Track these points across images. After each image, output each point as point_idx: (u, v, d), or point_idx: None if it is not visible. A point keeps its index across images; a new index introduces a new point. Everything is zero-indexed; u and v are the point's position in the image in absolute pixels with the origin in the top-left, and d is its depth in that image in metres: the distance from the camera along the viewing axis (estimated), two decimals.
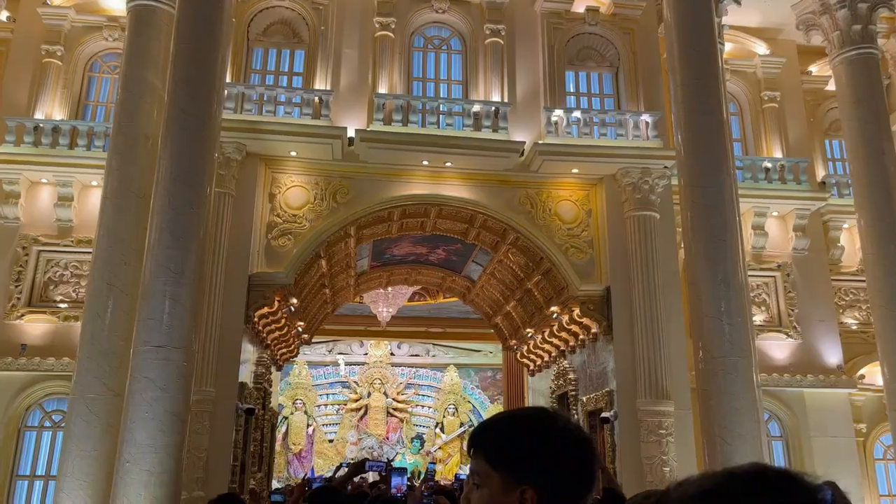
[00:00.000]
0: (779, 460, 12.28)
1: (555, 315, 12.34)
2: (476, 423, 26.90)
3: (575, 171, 11.52)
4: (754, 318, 10.98)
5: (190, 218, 8.80)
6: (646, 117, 11.59)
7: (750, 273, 11.22)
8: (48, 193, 11.82)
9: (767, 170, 13.03)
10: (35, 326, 11.24)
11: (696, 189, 9.66)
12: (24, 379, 10.93)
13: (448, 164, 11.25)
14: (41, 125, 11.71)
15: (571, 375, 12.80)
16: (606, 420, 10.83)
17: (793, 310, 13.00)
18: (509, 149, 11.16)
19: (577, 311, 11.63)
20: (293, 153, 11.09)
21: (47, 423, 11.13)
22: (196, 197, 8.91)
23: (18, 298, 11.33)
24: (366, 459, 6.32)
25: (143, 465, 7.87)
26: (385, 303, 21.13)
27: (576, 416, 12.53)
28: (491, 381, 26.22)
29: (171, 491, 7.99)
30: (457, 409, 25.77)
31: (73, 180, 11.65)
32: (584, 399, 12.11)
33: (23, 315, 11.23)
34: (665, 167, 11.39)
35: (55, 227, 11.71)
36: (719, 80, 10.00)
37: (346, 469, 6.05)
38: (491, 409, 25.52)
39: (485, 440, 1.49)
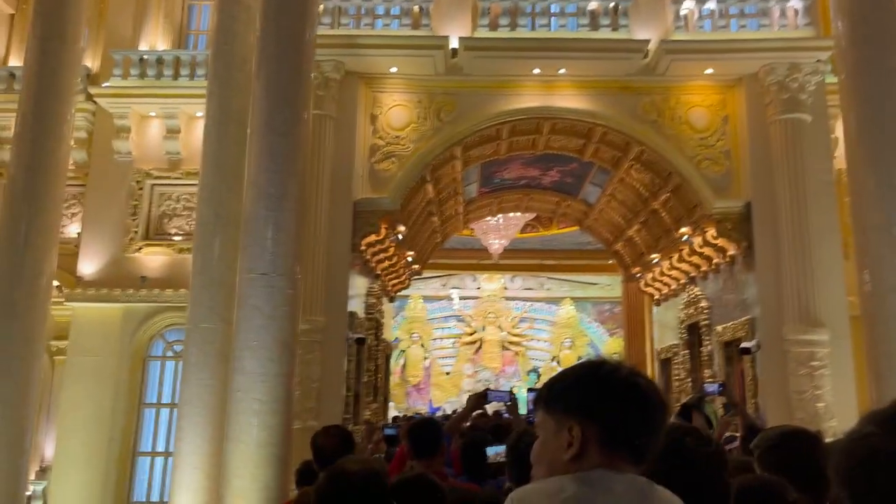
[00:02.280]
0: None
1: (685, 237, 11.14)
2: (594, 357, 26.60)
3: (709, 71, 10.09)
4: None
5: (288, 139, 8.37)
6: (794, 3, 9.90)
7: None
8: (157, 126, 11.82)
9: None
10: (153, 259, 11.42)
11: (863, 81, 8.13)
12: (146, 310, 11.18)
13: (562, 70, 10.14)
14: (145, 57, 11.63)
15: (704, 303, 11.61)
16: (747, 350, 9.69)
17: None
18: (631, 49, 9.89)
19: (711, 231, 10.39)
20: (393, 69, 10.36)
21: (169, 353, 11.39)
22: (293, 116, 8.45)
23: (136, 232, 11.52)
24: (488, 390, 5.82)
25: (254, 393, 7.70)
26: (496, 234, 20.44)
27: (709, 347, 11.43)
28: (609, 315, 25.43)
29: (283, 420, 7.80)
30: (573, 342, 25.24)
31: (179, 111, 11.56)
32: (720, 329, 10.96)
33: (141, 248, 11.43)
34: (818, 61, 9.75)
35: (165, 160, 11.74)
36: None
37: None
38: (609, 343, 24.81)
39: (541, 393, 1.58)
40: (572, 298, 25.21)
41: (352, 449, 4.01)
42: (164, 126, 11.65)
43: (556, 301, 25.32)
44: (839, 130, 10.32)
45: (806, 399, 8.94)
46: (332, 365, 9.65)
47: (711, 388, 7.00)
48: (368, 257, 11.35)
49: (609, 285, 24.15)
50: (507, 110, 10.35)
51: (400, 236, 11.33)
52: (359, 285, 11.13)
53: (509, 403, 5.43)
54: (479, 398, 5.21)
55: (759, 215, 9.77)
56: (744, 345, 9.76)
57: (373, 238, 10.67)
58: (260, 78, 8.56)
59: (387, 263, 12.31)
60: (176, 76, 11.60)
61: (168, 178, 11.69)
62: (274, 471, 7.65)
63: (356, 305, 10.82)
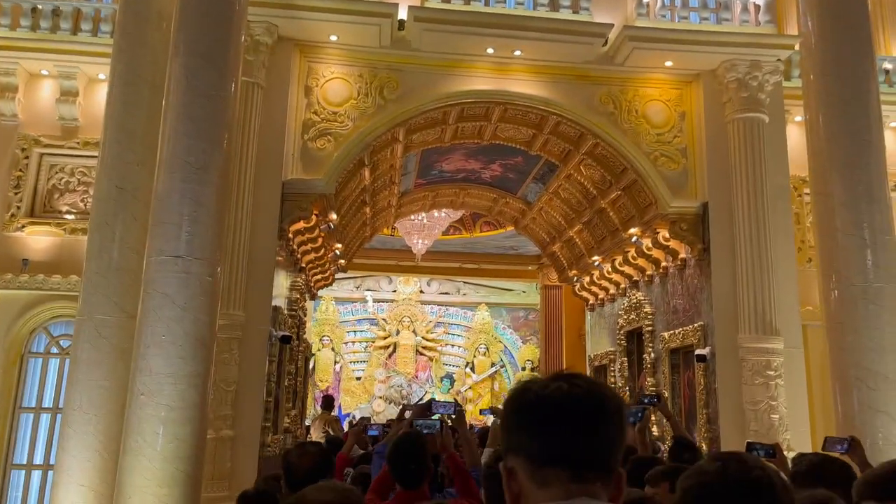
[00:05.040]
0: None
1: (634, 239, 10.64)
2: (507, 364, 26.08)
3: (668, 63, 9.62)
4: None
5: (214, 102, 7.19)
6: None
7: None
8: (49, 87, 10.20)
9: (887, 71, 11.04)
10: (38, 240, 9.79)
11: (832, 80, 7.86)
12: (27, 298, 9.52)
13: (517, 52, 9.40)
14: (39, 6, 10.02)
15: (647, 309, 11.16)
16: (703, 358, 9.24)
17: None
18: (592, 33, 9.27)
19: (663, 232, 9.93)
20: (333, 37, 9.30)
21: (54, 350, 9.77)
22: (220, 77, 7.28)
23: (18, 207, 9.84)
24: (433, 400, 5.59)
25: (161, 398, 6.46)
26: (420, 234, 19.65)
27: (653, 355, 11.00)
28: (523, 321, 25.25)
29: (197, 429, 6.60)
30: (488, 348, 24.85)
31: (78, 72, 10.00)
32: (666, 335, 10.51)
33: (24, 226, 9.77)
34: (778, 60, 9.49)
35: (58, 126, 10.12)
36: None
37: (410, 412, 5.29)
38: (523, 350, 24.57)
39: None
40: (487, 304, 24.83)
41: (331, 472, 3.08)
42: (59, 87, 10.05)
43: (471, 306, 24.89)
44: (790, 133, 10.18)
45: (760, 410, 8.55)
46: (251, 366, 8.43)
47: (647, 400, 6.55)
48: (295, 247, 10.20)
49: (524, 292, 24.04)
50: (457, 91, 9.50)
51: (331, 225, 10.23)
52: (283, 278, 9.96)
53: (454, 416, 4.96)
54: (424, 409, 4.97)
55: (716, 216, 9.37)
56: (699, 352, 9.31)
57: (302, 225, 9.55)
58: (181, 30, 7.36)
59: (313, 255, 11.18)
60: (75, 31, 10.05)
61: (61, 147, 10.05)
62: (182, 489, 6.43)
63: (279, 299, 9.65)
